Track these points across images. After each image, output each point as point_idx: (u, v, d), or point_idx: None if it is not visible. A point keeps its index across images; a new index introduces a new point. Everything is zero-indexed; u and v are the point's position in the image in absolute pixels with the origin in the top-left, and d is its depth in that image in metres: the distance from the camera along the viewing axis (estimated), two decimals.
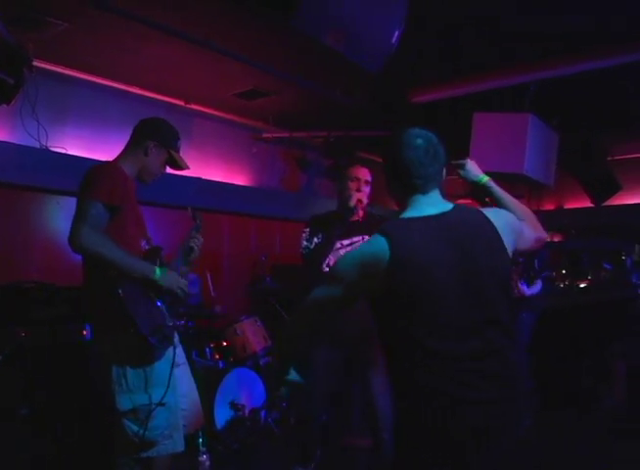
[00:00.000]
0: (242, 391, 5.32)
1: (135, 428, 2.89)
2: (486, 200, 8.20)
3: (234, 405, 5.17)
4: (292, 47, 5.07)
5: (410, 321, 1.99)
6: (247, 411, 5.23)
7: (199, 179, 6.71)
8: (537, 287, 6.13)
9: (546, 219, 9.31)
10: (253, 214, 7.46)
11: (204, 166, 6.90)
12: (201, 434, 4.52)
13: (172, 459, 3.09)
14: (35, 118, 5.19)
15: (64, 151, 5.41)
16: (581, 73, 5.37)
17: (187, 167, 3.33)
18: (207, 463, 4.42)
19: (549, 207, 9.56)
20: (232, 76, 5.82)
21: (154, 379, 2.90)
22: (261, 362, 5.85)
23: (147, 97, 6.21)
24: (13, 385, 3.69)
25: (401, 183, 2.18)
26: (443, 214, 2.11)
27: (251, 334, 5.76)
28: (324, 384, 3.96)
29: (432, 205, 2.14)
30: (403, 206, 2.19)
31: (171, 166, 3.30)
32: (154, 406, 2.86)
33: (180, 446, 3.03)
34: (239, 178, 7.44)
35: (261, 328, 5.92)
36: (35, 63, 4.96)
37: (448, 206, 2.16)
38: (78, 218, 2.78)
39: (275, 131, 7.47)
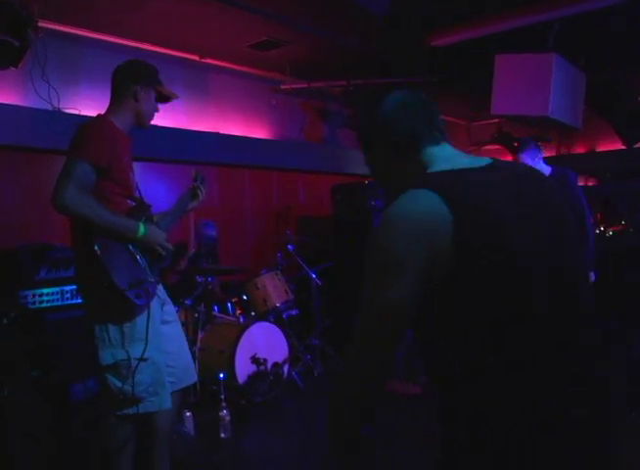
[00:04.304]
0: (264, 345, 5.34)
1: (118, 383, 2.91)
2: (514, 144, 8.00)
3: (256, 360, 5.21)
4: None
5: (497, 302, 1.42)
6: (269, 365, 5.27)
7: (217, 134, 6.68)
8: None
9: (578, 163, 9.14)
10: (275, 167, 7.42)
11: (222, 121, 6.86)
12: (222, 389, 4.59)
13: (170, 416, 3.14)
14: (46, 80, 5.19)
15: (77, 112, 5.39)
16: (608, 8, 5.12)
17: (176, 96, 3.31)
18: (228, 418, 4.48)
19: (580, 150, 9.29)
20: (244, 27, 5.70)
21: (134, 334, 2.91)
22: (284, 316, 5.90)
23: (160, 53, 6.12)
24: (21, 348, 3.75)
25: (401, 138, 1.64)
26: (489, 166, 1.58)
27: (272, 288, 5.77)
28: None
29: (459, 156, 1.64)
30: (414, 167, 1.63)
31: (161, 101, 3.26)
32: (134, 361, 2.88)
33: (167, 403, 3.03)
34: (259, 131, 7.36)
35: (282, 282, 5.93)
36: (42, 24, 4.96)
37: (485, 159, 1.63)
38: (63, 177, 2.76)
39: (293, 82, 7.32)
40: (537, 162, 4.76)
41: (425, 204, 1.42)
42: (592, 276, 4.73)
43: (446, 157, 1.61)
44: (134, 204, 3.09)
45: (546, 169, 4.77)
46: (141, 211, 3.07)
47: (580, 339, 1.52)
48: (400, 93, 1.69)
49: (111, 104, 3.13)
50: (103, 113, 3.12)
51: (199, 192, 3.42)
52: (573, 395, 1.49)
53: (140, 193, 3.21)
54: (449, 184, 1.47)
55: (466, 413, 1.46)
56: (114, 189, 2.96)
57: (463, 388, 1.46)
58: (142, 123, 3.17)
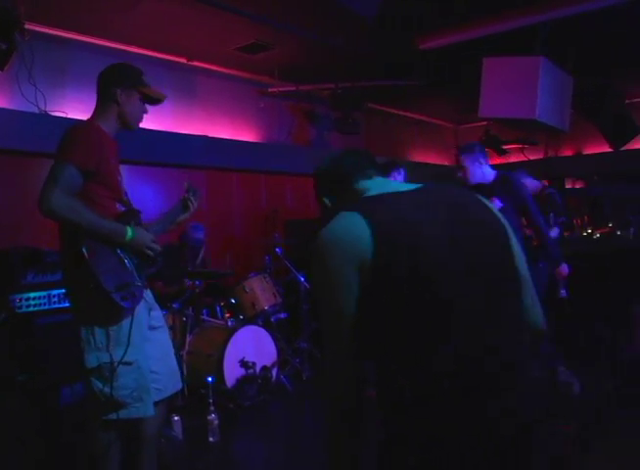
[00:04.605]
0: (252, 348, 5.32)
1: (100, 385, 2.90)
2: (502, 147, 8.02)
3: (244, 363, 5.18)
4: None
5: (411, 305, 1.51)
6: (257, 369, 5.24)
7: (205, 137, 6.67)
8: (554, 233, 5.98)
9: (565, 166, 9.17)
10: (263, 170, 7.41)
11: (210, 124, 6.86)
12: (210, 392, 4.56)
13: (156, 422, 3.12)
14: (33, 83, 5.17)
15: (64, 115, 5.37)
16: (595, 12, 5.14)
17: (164, 97, 3.24)
18: (216, 422, 4.46)
19: (567, 153, 9.33)
20: (232, 30, 5.72)
21: (120, 338, 2.89)
22: (272, 319, 5.88)
23: (147, 56, 6.13)
24: (8, 352, 3.72)
25: (338, 179, 1.87)
26: (417, 189, 1.72)
27: (260, 291, 5.75)
28: None
29: (391, 183, 1.84)
30: (351, 198, 1.81)
31: (149, 102, 3.21)
32: (116, 364, 2.85)
33: (150, 410, 3.01)
34: (247, 134, 7.36)
35: (270, 285, 5.91)
36: (29, 26, 4.92)
37: (415, 184, 1.77)
38: (50, 181, 2.74)
39: (281, 85, 7.35)
40: (478, 166, 4.72)
41: (349, 222, 1.59)
42: (565, 268, 4.78)
43: (376, 186, 1.79)
44: (124, 208, 3.08)
45: (490, 174, 4.76)
46: (130, 216, 3.05)
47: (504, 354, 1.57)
48: (341, 151, 1.93)
49: (95, 108, 3.12)
50: (89, 117, 3.11)
51: (190, 204, 3.40)
52: (526, 415, 1.56)
53: (128, 198, 3.20)
54: (370, 206, 1.64)
55: (417, 438, 1.51)
56: (102, 192, 2.95)
57: (413, 412, 1.51)
58: (127, 126, 3.14)
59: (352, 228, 1.57)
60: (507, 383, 1.52)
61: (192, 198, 3.40)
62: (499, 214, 1.75)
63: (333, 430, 1.67)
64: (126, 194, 3.18)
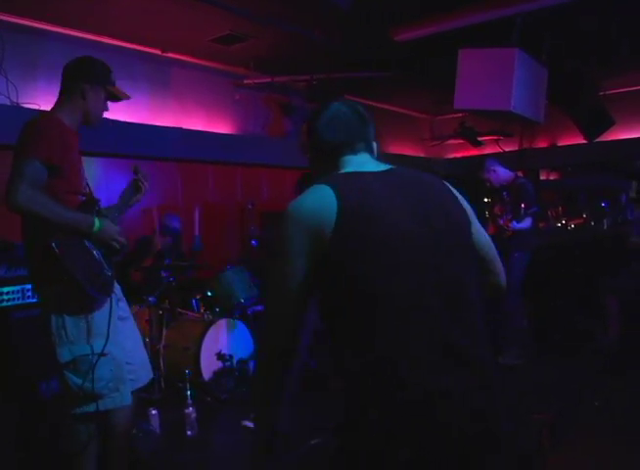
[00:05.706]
0: (229, 341, 5.32)
1: (77, 380, 2.88)
2: (477, 139, 8.04)
3: (221, 356, 5.18)
4: None
5: (366, 279, 1.63)
6: (234, 361, 5.24)
7: (179, 129, 6.62)
8: (527, 223, 6.03)
9: (540, 157, 9.23)
10: (239, 163, 7.37)
11: (184, 116, 6.80)
12: (187, 386, 4.54)
13: (129, 413, 3.11)
14: (4, 75, 5.09)
15: (36, 107, 5.27)
16: (571, 4, 5.16)
17: (127, 97, 3.27)
18: (194, 415, 4.44)
19: (542, 144, 9.35)
20: (206, 21, 5.65)
21: (94, 330, 2.89)
22: (248, 312, 5.87)
23: (122, 47, 6.06)
24: None
25: (326, 146, 1.95)
26: (389, 170, 1.89)
27: (237, 284, 5.72)
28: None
29: (369, 163, 1.93)
30: (330, 169, 1.93)
31: (111, 100, 3.23)
32: (95, 357, 2.85)
33: (127, 400, 3.02)
34: (221, 126, 7.30)
35: (247, 277, 5.89)
36: None
37: (387, 166, 1.92)
38: (15, 176, 2.73)
39: (256, 77, 7.29)
40: None
41: (319, 195, 1.73)
42: None
43: (357, 163, 1.92)
44: (83, 198, 3.06)
45: None
46: (90, 205, 3.05)
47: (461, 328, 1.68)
48: (336, 106, 2.00)
49: (58, 100, 3.11)
50: (50, 108, 3.10)
51: (140, 184, 3.37)
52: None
53: (89, 187, 3.18)
54: (342, 181, 1.78)
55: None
56: (64, 187, 2.94)
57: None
58: (89, 122, 3.14)
59: (321, 201, 1.70)
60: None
61: (142, 179, 3.38)
62: (461, 199, 1.92)
63: (263, 370, 1.84)
64: (87, 184, 3.16)
